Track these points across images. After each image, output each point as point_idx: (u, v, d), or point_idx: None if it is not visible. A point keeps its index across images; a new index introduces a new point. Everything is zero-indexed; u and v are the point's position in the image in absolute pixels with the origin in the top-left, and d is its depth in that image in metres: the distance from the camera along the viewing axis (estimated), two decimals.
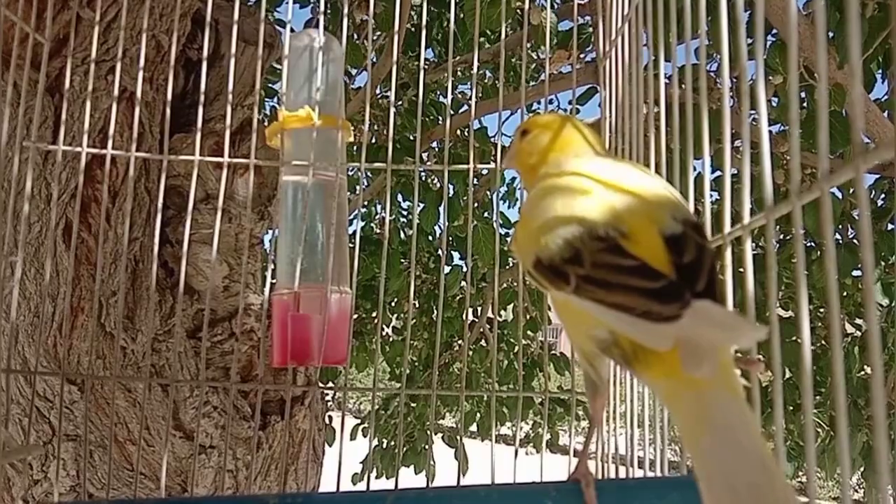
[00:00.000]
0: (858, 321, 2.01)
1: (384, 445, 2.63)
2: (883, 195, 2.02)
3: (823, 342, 1.84)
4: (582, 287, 0.39)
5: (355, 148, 1.91)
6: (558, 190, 0.44)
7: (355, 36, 2.02)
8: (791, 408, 1.81)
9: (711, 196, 0.49)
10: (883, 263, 1.93)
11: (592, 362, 0.44)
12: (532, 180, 0.50)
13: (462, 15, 1.63)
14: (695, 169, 0.54)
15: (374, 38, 2.01)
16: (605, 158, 0.48)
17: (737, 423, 0.34)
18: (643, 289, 0.37)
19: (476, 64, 0.73)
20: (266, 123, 0.86)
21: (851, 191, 1.81)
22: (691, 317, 0.35)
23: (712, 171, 0.50)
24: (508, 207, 2.95)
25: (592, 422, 0.50)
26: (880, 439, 0.30)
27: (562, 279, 0.40)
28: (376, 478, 2.51)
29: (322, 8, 0.71)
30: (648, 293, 0.36)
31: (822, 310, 1.83)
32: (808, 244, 2.00)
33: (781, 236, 1.90)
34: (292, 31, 0.73)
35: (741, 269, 0.44)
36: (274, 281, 0.69)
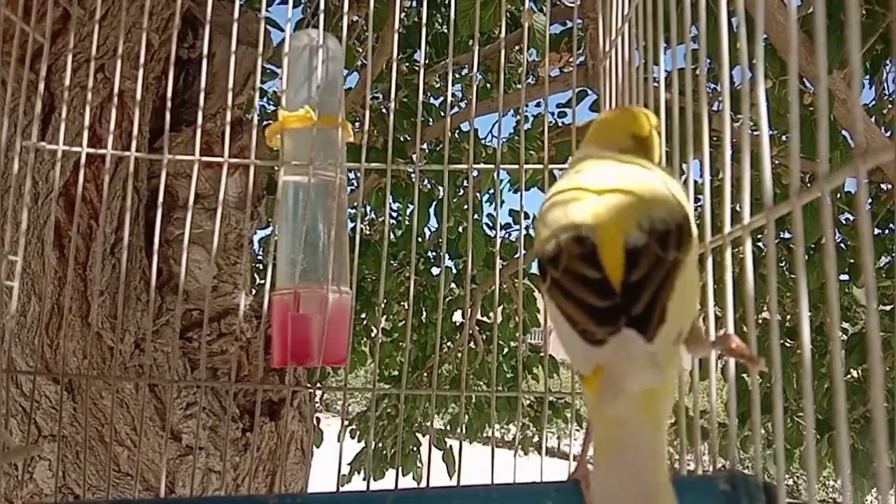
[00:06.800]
0: (844, 325, 2.03)
1: (372, 447, 2.62)
2: (870, 199, 2.04)
3: (812, 346, 1.86)
4: (551, 290, 0.38)
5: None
6: (561, 192, 0.43)
7: (346, 37, 2.01)
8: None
9: (699, 201, 0.49)
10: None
11: None
12: None
13: (454, 17, 1.62)
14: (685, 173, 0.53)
15: (366, 37, 2.01)
16: (598, 157, 0.46)
17: (642, 454, 0.34)
18: (591, 305, 0.36)
19: (476, 65, 0.73)
20: (256, 122, 0.86)
21: (839, 195, 1.83)
22: (615, 345, 0.34)
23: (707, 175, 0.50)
24: (495, 209, 2.96)
25: (590, 423, 0.49)
26: (880, 442, 0.30)
27: (542, 278, 0.39)
28: (363, 479, 2.50)
29: (322, 6, 0.70)
30: (593, 311, 0.36)
31: (808, 313, 1.84)
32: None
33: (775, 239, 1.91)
34: (281, 29, 0.73)
35: (734, 271, 0.43)
36: (263, 281, 0.69)
